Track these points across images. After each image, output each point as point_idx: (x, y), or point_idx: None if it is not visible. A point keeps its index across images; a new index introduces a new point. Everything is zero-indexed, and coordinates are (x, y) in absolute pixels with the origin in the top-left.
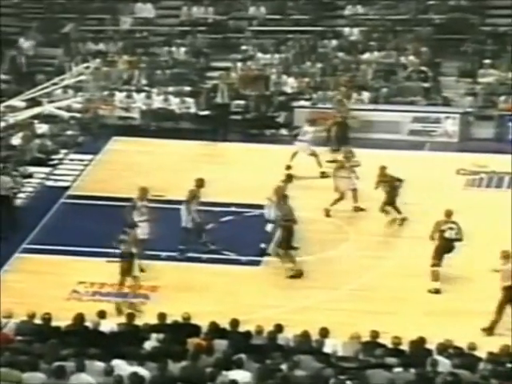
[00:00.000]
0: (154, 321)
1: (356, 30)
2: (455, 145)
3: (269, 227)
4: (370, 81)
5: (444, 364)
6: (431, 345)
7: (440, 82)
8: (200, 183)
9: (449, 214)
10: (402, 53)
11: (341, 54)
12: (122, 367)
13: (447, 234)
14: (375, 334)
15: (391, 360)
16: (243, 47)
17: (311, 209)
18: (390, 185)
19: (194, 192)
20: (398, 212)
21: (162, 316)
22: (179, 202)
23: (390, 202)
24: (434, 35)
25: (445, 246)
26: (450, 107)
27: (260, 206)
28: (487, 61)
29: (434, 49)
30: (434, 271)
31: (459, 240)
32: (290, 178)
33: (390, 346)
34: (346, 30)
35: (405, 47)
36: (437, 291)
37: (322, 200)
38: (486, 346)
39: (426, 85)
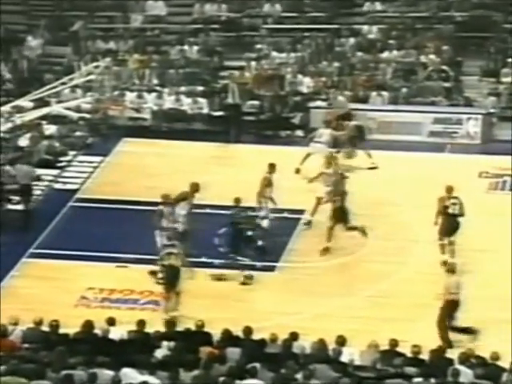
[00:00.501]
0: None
1: (375, 28)
2: (477, 147)
3: (265, 223)
4: (390, 80)
5: (466, 374)
6: (452, 354)
7: (462, 81)
8: (195, 188)
9: (450, 189)
10: (423, 51)
11: (359, 53)
12: (132, 376)
13: (451, 210)
14: (394, 343)
15: (411, 369)
16: (258, 46)
17: (325, 213)
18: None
19: (184, 195)
20: (356, 229)
21: (171, 323)
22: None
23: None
24: (456, 33)
25: (450, 222)
26: (472, 108)
27: (273, 210)
28: (511, 60)
29: (456, 47)
30: (441, 245)
31: (461, 215)
32: (273, 168)
33: (409, 354)
34: (365, 27)
35: (425, 46)
36: (445, 263)
37: None
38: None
39: (447, 85)
